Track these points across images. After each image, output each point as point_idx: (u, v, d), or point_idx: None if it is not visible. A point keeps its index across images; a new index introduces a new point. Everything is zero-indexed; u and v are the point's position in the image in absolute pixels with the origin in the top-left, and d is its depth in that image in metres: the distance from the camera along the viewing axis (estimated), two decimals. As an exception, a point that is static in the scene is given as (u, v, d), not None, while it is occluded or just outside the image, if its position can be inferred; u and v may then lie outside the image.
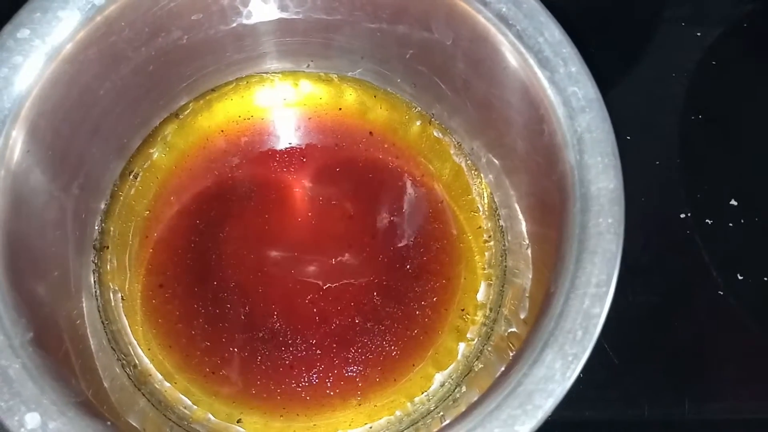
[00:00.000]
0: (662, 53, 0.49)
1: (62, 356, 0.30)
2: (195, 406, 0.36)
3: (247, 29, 0.36)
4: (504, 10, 0.30)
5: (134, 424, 0.34)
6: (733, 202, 0.45)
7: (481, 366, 0.37)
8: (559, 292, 0.27)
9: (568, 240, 0.28)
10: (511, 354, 0.36)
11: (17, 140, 0.28)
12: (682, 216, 0.45)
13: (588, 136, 0.29)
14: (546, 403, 0.25)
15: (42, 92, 0.29)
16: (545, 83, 0.30)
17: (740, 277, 0.44)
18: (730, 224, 0.45)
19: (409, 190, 0.41)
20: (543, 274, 0.34)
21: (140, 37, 0.32)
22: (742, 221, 0.45)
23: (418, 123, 0.41)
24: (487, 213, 0.40)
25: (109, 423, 0.26)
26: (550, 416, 0.25)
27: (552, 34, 0.30)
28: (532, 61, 0.30)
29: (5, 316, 0.26)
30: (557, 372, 0.25)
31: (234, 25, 0.36)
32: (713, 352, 0.43)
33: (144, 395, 0.36)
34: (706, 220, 0.45)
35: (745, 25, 0.50)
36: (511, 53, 0.30)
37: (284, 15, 0.36)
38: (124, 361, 0.37)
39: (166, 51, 0.34)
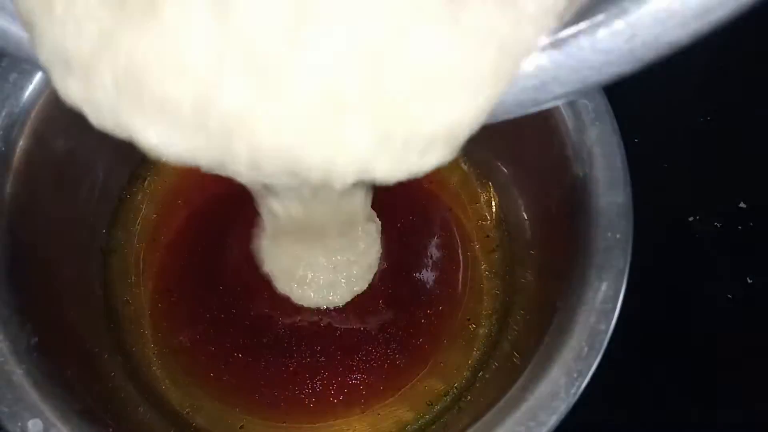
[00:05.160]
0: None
1: (66, 360, 0.30)
2: (198, 411, 0.36)
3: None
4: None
5: (137, 429, 0.34)
6: (742, 205, 0.45)
7: (486, 376, 0.37)
8: (566, 307, 0.27)
9: (575, 254, 0.28)
10: (516, 365, 0.35)
11: (25, 144, 0.28)
12: (691, 219, 0.44)
13: (597, 150, 0.28)
14: (550, 420, 0.25)
15: (51, 97, 0.29)
16: (555, 95, 0.29)
17: (749, 281, 0.43)
18: (739, 227, 0.44)
19: (417, 197, 0.40)
20: (549, 285, 0.33)
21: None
22: (751, 224, 0.44)
23: (427, 130, 0.41)
24: (494, 222, 0.40)
25: (111, 430, 0.26)
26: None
27: (563, 45, 0.29)
28: (542, 73, 0.30)
29: (11, 321, 0.26)
30: (562, 388, 0.25)
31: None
32: (723, 356, 0.42)
33: (147, 399, 0.36)
34: (715, 224, 0.44)
35: (755, 26, 0.49)
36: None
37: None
38: (128, 365, 0.37)
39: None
